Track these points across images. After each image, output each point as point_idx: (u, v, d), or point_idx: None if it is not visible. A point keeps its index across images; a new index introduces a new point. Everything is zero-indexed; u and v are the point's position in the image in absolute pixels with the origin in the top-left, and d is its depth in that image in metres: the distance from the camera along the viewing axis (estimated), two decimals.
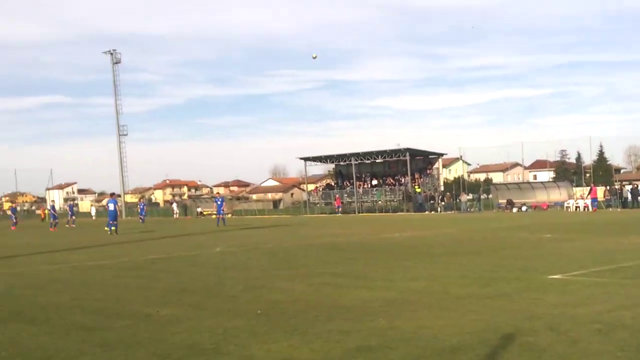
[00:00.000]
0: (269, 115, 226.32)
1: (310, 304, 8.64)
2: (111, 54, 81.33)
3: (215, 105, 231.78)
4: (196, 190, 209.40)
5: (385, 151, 61.27)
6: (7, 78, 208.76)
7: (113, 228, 31.21)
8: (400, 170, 62.21)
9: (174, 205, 75.13)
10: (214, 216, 46.66)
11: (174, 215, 70.27)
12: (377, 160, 63.59)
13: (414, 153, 61.30)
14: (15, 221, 49.77)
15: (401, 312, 7.85)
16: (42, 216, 61.22)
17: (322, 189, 69.04)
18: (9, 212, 58.32)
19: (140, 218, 52.92)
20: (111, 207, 32.18)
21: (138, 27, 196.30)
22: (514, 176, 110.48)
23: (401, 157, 60.87)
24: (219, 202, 40.64)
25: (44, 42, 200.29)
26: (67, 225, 47.81)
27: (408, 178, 60.17)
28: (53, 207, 49.41)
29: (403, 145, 60.28)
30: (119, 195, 77.02)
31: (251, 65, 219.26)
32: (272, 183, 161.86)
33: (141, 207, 56.07)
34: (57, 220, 45.56)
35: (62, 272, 13.85)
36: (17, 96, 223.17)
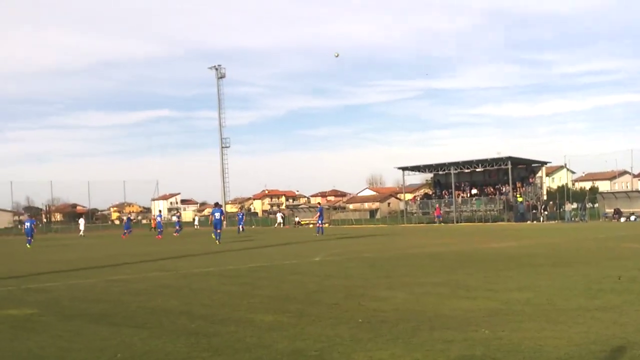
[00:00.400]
0: (367, 125, 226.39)
1: (411, 313, 8.62)
2: (216, 69, 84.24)
3: (315, 116, 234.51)
4: (293, 200, 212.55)
5: (485, 160, 59.96)
6: (118, 94, 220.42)
7: (217, 237, 32.20)
8: (501, 179, 60.63)
9: (279, 215, 76.29)
10: (311, 225, 47.19)
11: (278, 225, 71.55)
12: (477, 169, 62.31)
13: (515, 161, 59.62)
14: (129, 230, 52.38)
15: (505, 322, 7.69)
16: (153, 225, 64.06)
17: (420, 199, 68.34)
18: (124, 220, 61.71)
19: (240, 227, 54.19)
20: (217, 215, 33.00)
21: (241, 42, 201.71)
22: (621, 185, 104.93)
23: (502, 166, 59.34)
24: (319, 212, 41.30)
25: (153, 59, 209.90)
26: (174, 234, 49.82)
27: (509, 187, 58.56)
28: (160, 216, 51.95)
29: (504, 154, 58.83)
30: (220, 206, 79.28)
31: (351, 76, 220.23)
32: (369, 193, 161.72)
33: (240, 216, 57.43)
34: (162, 229, 47.80)
35: (170, 279, 14.46)
36: (127, 111, 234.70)
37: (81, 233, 61.83)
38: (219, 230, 32.26)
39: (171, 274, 15.73)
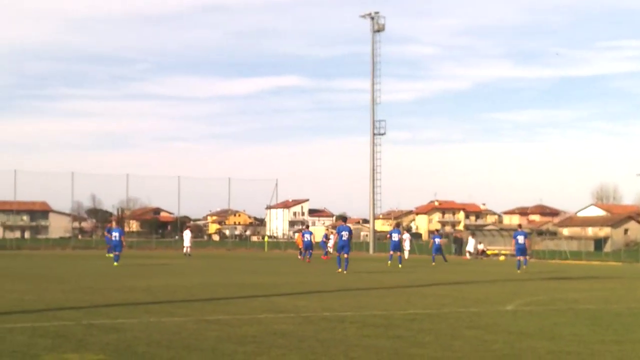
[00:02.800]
0: (597, 108, 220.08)
1: None
2: (371, 18, 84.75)
3: (514, 92, 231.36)
4: (477, 217, 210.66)
5: None
6: (224, 51, 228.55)
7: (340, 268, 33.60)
8: None
9: (471, 239, 74.36)
10: (502, 257, 46.71)
11: (467, 254, 70.72)
12: None
13: None
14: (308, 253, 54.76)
15: None
16: (299, 245, 66.48)
17: None
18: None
19: (393, 254, 54.65)
20: (345, 235, 34.41)
21: None
22: None
23: None
24: (519, 239, 40.83)
25: (273, 2, 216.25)
26: (323, 258, 53.35)
27: None
28: (309, 233, 53.05)
29: None
30: (365, 222, 79.93)
31: (574, 32, 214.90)
32: (595, 212, 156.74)
33: (395, 236, 57.52)
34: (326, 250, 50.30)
35: (288, 324, 14.86)
36: (235, 77, 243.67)
37: (186, 250, 64.65)
38: (345, 255, 34.89)
39: (290, 318, 16.15)
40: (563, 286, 28.99)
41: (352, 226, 44.21)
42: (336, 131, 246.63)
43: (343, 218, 38.09)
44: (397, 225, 38.17)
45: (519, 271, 39.25)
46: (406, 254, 59.92)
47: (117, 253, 41.18)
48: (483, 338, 13.22)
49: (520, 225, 49.95)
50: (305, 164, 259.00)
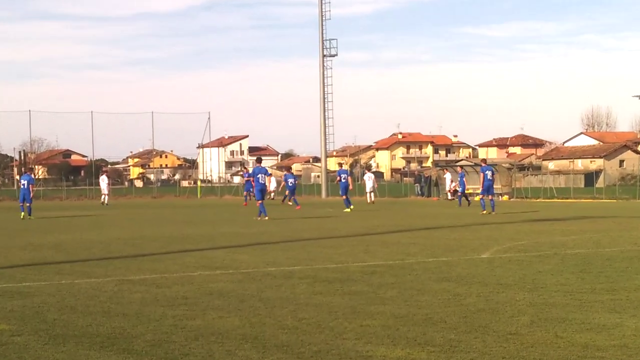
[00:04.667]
0: (590, 19, 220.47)
1: None
2: None
3: (494, 1, 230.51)
4: (448, 151, 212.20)
5: None
6: None
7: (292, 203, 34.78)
8: None
9: (448, 176, 74.27)
10: (477, 197, 47.18)
11: (449, 194, 70.84)
12: None
13: None
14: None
15: None
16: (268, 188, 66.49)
17: None
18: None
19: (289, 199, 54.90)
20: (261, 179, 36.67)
21: None
22: None
23: None
24: (487, 174, 41.24)
25: None
26: (288, 202, 53.81)
27: None
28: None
29: None
30: (316, 160, 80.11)
31: None
32: (586, 141, 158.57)
33: (290, 180, 56.39)
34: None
35: (227, 282, 14.98)
36: None
37: (104, 199, 64.45)
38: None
39: (229, 274, 16.26)
40: (548, 228, 29.30)
41: (300, 165, 44.87)
42: (279, 53, 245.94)
43: (259, 159, 39.82)
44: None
45: (484, 212, 39.76)
46: (371, 197, 60.91)
47: (27, 204, 40.90)
48: (454, 291, 13.40)
49: (484, 160, 50.31)
50: (243, 93, 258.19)
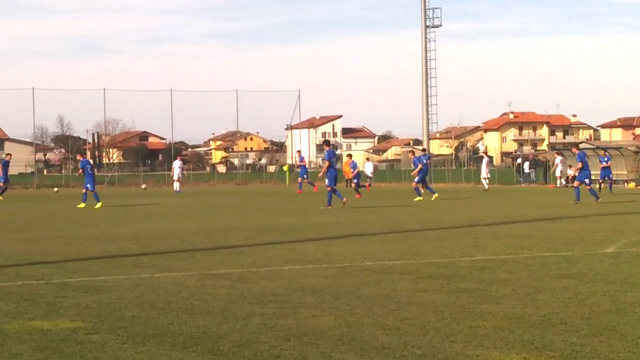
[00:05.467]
0: None
1: None
2: None
3: None
4: (566, 133, 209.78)
5: None
6: None
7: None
8: None
9: (558, 160, 73.41)
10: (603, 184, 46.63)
11: (558, 182, 70.06)
12: None
13: None
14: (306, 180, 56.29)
15: None
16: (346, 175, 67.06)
17: None
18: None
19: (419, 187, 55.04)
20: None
21: None
22: None
23: None
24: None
25: None
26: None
27: None
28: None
29: None
30: (416, 143, 79.94)
31: None
32: None
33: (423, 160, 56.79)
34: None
35: (320, 277, 15.05)
36: None
37: (176, 187, 64.99)
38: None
39: (322, 269, 16.31)
40: None
41: (400, 149, 44.60)
42: (376, 25, 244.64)
43: (327, 142, 39.43)
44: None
45: (598, 200, 39.09)
46: (485, 184, 60.70)
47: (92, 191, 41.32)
48: (575, 290, 13.26)
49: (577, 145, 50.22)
50: (336, 69, 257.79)
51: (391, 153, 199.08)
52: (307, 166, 61.79)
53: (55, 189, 51.92)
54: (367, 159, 64.77)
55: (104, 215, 35.15)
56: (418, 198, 43.32)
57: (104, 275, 15.63)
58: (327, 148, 38.65)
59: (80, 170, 42.01)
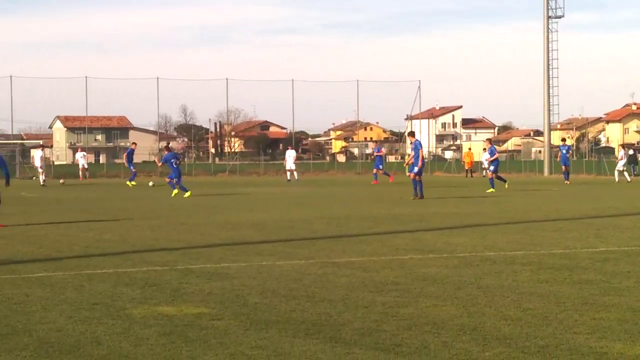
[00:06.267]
0: None
1: None
2: None
3: None
4: None
5: None
6: None
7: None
8: None
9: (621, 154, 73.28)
10: None
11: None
12: None
13: None
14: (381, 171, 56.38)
15: None
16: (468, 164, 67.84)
17: None
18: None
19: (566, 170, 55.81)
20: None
21: None
22: None
23: None
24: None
25: None
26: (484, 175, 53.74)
27: None
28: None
29: None
30: (537, 134, 79.02)
31: None
32: None
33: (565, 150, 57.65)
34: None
35: (436, 267, 15.05)
36: None
37: (289, 175, 65.25)
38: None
39: (443, 259, 16.29)
40: None
41: (520, 139, 44.23)
42: (497, 15, 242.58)
43: (411, 133, 39.27)
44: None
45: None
46: (627, 176, 58.59)
47: (175, 180, 41.29)
48: None
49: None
50: (457, 60, 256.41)
51: (511, 144, 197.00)
52: (383, 157, 61.58)
53: (151, 183, 52.45)
54: (484, 149, 63.92)
55: (225, 203, 35.57)
56: (491, 190, 42.50)
57: (227, 262, 15.83)
58: (412, 139, 38.39)
59: (160, 164, 42.70)
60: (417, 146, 36.27)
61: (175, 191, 39.83)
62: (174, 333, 9.67)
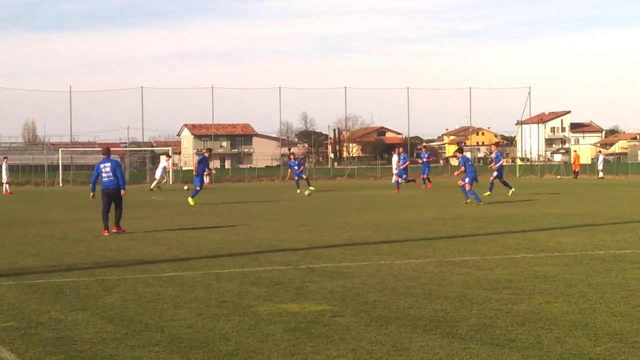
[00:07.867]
0: None
1: None
2: None
3: None
4: None
5: None
6: None
7: None
8: None
9: None
10: None
11: None
12: None
13: None
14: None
15: None
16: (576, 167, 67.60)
17: None
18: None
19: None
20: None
21: None
22: None
23: None
24: None
25: None
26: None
27: None
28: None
29: None
30: None
31: None
32: None
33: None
34: None
35: (551, 265, 14.92)
36: None
37: (395, 178, 65.06)
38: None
39: (554, 257, 16.17)
40: None
41: (627, 143, 43.24)
42: (609, 21, 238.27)
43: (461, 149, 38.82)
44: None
45: None
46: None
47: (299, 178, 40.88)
48: None
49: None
50: (566, 66, 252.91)
51: (618, 147, 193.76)
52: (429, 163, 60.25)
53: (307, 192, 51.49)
54: (600, 151, 63.20)
55: (344, 205, 35.62)
56: (487, 193, 41.15)
57: (347, 261, 15.91)
58: (459, 155, 37.98)
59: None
60: (466, 160, 36.16)
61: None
62: (297, 329, 9.78)
